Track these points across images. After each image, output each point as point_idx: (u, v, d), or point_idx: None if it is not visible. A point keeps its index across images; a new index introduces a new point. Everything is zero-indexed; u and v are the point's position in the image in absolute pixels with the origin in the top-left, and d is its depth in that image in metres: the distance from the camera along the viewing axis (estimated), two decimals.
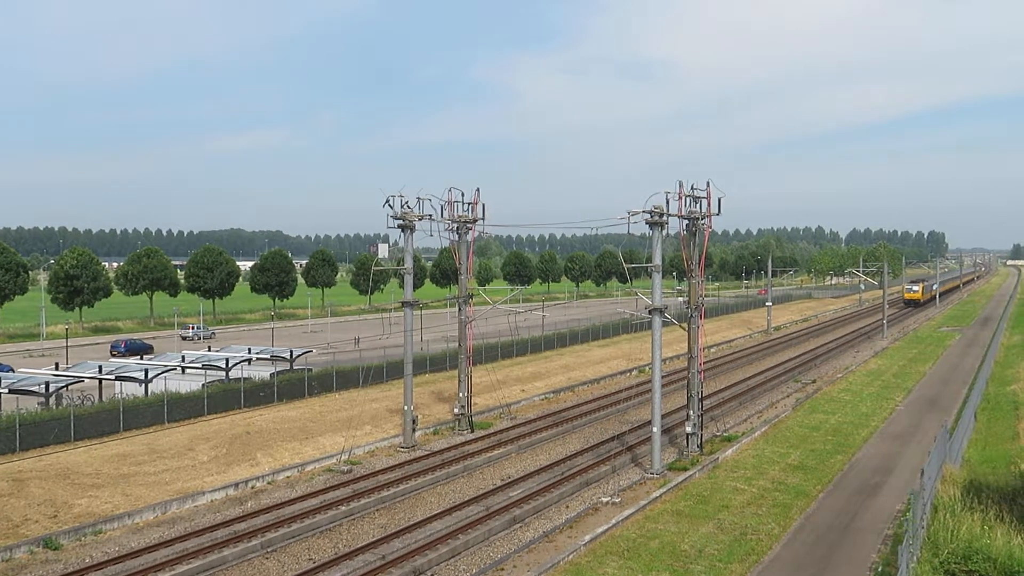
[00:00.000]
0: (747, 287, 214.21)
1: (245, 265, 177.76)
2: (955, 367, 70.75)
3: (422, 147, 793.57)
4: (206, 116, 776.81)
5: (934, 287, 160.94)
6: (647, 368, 61.81)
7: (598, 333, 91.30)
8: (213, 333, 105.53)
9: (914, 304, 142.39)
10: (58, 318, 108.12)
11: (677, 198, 37.75)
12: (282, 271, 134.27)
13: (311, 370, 57.66)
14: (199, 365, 55.97)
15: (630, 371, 68.86)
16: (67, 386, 48.55)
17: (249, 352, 61.52)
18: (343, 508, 32.66)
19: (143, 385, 49.44)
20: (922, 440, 42.68)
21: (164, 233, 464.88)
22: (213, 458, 38.73)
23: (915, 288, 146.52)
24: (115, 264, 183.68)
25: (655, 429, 37.46)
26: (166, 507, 32.71)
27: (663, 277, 38.04)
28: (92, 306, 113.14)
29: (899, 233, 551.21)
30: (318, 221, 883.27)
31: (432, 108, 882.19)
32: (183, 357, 59.06)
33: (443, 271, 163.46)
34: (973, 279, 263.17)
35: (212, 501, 34.12)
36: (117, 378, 51.27)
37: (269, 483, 36.75)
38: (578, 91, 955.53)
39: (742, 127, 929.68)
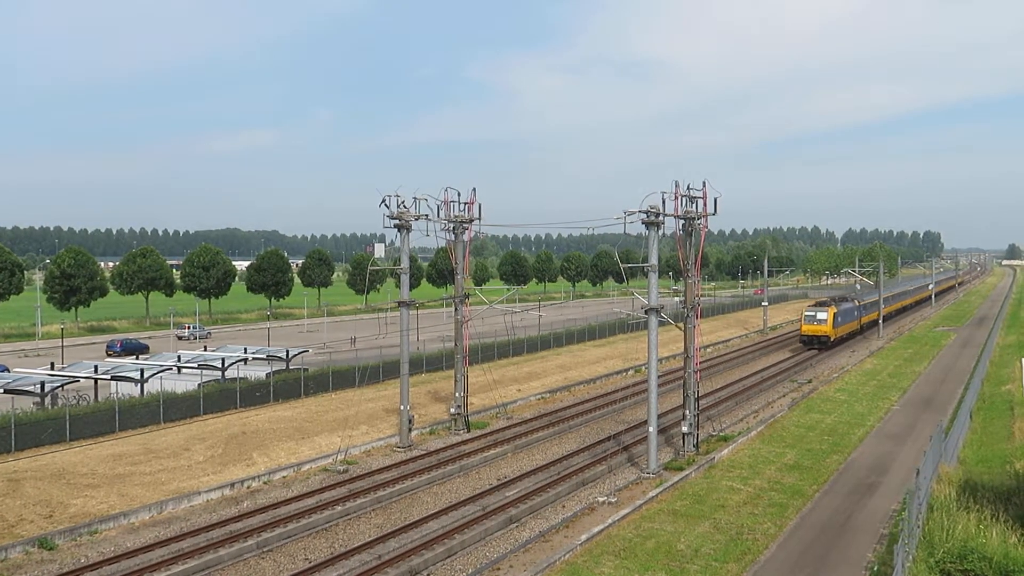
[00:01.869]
0: (743, 287, 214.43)
1: (241, 265, 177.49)
2: (950, 367, 70.84)
3: (419, 147, 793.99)
4: (202, 116, 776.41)
5: (872, 305, 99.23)
6: (643, 368, 61.84)
7: (594, 333, 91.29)
8: (209, 333, 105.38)
9: (819, 344, 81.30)
10: (54, 318, 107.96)
11: (673, 198, 37.78)
12: (278, 271, 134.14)
13: (307, 370, 57.60)
14: (195, 365, 55.88)
15: (626, 371, 68.87)
16: (63, 386, 48.45)
17: (245, 352, 61.43)
18: (339, 508, 32.64)
19: (139, 385, 49.35)
20: (918, 440, 42.73)
21: (160, 233, 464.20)
22: (209, 458, 38.68)
23: (820, 315, 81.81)
24: (111, 264, 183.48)
25: (651, 429, 37.46)
26: (162, 507, 32.67)
27: (659, 277, 38.05)
28: (88, 306, 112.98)
29: (895, 233, 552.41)
30: (314, 221, 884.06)
31: (429, 108, 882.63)
32: (179, 357, 58.97)
33: (439, 271, 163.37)
34: (962, 282, 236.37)
35: (208, 501, 34.08)
36: (113, 378, 51.17)
37: (265, 483, 36.71)
38: (575, 91, 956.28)
39: (739, 127, 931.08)
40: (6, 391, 46.08)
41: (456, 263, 46.56)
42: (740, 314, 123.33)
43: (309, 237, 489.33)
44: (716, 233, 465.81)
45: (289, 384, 53.30)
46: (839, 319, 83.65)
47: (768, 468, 37.46)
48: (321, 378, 55.59)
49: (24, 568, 26.62)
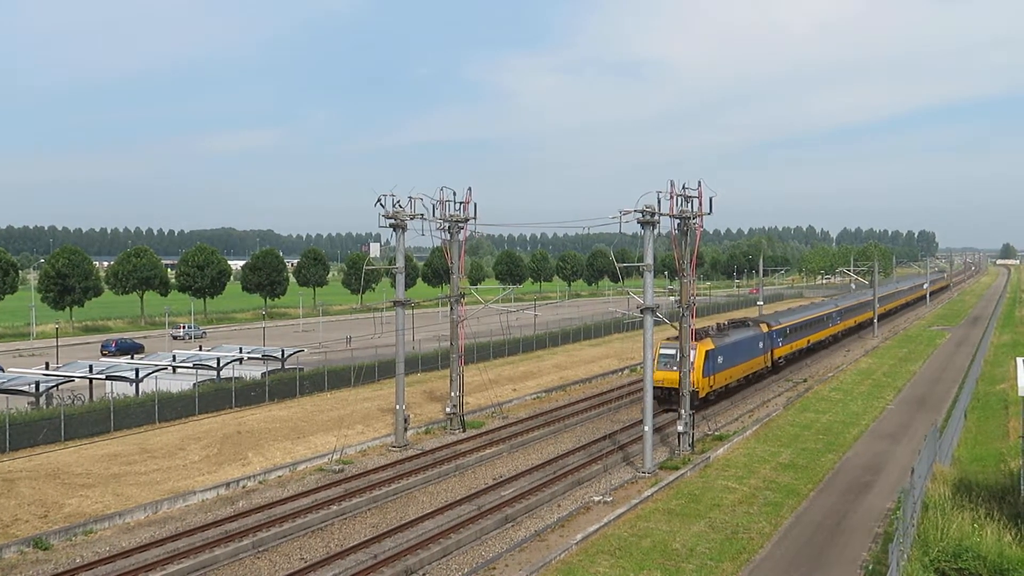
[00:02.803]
0: (738, 286, 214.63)
1: (236, 264, 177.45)
2: (945, 366, 71.01)
3: (414, 146, 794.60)
4: (197, 115, 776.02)
5: (807, 326, 73.04)
6: (639, 367, 61.90)
7: (590, 332, 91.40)
8: (204, 332, 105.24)
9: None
10: (48, 317, 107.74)
11: (669, 197, 37.78)
12: (273, 270, 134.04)
13: (303, 369, 57.58)
14: (190, 364, 55.83)
15: (622, 370, 68.91)
16: (57, 386, 48.35)
17: (240, 351, 61.39)
18: (335, 507, 32.61)
19: (134, 385, 49.29)
20: (912, 439, 42.83)
21: (155, 232, 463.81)
22: (204, 458, 38.64)
23: (673, 353, 47.04)
24: (105, 263, 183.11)
25: (647, 428, 37.51)
26: (157, 507, 32.61)
27: (655, 276, 38.09)
28: (82, 305, 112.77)
29: (890, 232, 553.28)
30: (309, 220, 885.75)
31: (425, 108, 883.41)
32: (174, 356, 58.92)
33: (435, 270, 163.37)
34: (947, 285, 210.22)
35: (203, 501, 34.03)
36: (108, 378, 51.10)
37: (260, 483, 36.66)
38: (571, 91, 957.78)
39: (734, 127, 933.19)
40: (1, 391, 45.99)
41: (452, 262, 46.52)
42: (735, 313, 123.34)
43: (304, 236, 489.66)
44: (712, 232, 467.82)
45: (285, 384, 53.27)
46: (718, 360, 51.25)
47: (763, 467, 37.51)
48: (317, 378, 55.56)
49: (19, 568, 26.56)
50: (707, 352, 50.05)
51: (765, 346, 61.58)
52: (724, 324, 59.42)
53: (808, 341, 74.10)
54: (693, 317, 41.42)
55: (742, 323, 61.68)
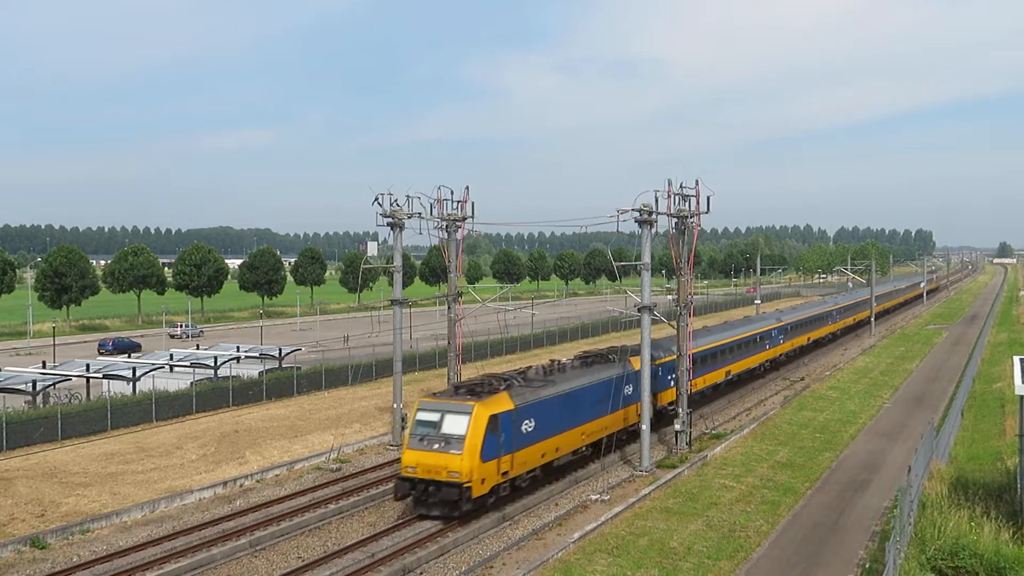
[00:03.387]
0: (736, 285, 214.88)
1: (234, 263, 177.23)
2: (942, 365, 71.07)
3: (412, 146, 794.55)
4: (195, 114, 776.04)
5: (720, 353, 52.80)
6: None
7: (587, 331, 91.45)
8: (201, 331, 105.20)
9: (439, 504, 29.73)
10: (45, 316, 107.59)
11: (666, 196, 37.77)
12: (271, 269, 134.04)
13: (300, 368, 57.57)
14: (187, 363, 55.80)
15: None
16: (54, 384, 48.33)
17: (238, 350, 61.39)
18: (332, 506, 32.59)
19: (131, 383, 49.27)
20: (909, 437, 42.86)
21: (152, 231, 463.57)
22: (201, 456, 38.62)
23: (451, 425, 29.86)
24: (103, 262, 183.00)
25: (644, 426, 37.50)
26: (154, 506, 32.58)
27: (652, 275, 38.08)
28: (79, 304, 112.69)
29: (887, 231, 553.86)
30: (307, 219, 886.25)
31: (422, 107, 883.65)
32: (171, 355, 58.87)
33: (432, 269, 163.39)
34: (938, 287, 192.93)
35: (200, 500, 34.00)
36: (105, 376, 51.07)
37: (258, 481, 36.63)
38: (568, 90, 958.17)
39: (732, 126, 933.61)
40: None
41: (449, 261, 46.46)
42: (733, 312, 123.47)
43: (302, 235, 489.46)
44: (709, 231, 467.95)
45: (282, 382, 53.26)
46: (521, 429, 31.94)
47: (760, 466, 37.53)
48: (314, 376, 55.55)
49: (16, 567, 26.52)
50: (493, 418, 30.16)
51: (637, 392, 39.13)
52: (567, 362, 39.36)
53: (727, 372, 54.95)
54: (691, 316, 41.44)
55: (601, 357, 40.46)
